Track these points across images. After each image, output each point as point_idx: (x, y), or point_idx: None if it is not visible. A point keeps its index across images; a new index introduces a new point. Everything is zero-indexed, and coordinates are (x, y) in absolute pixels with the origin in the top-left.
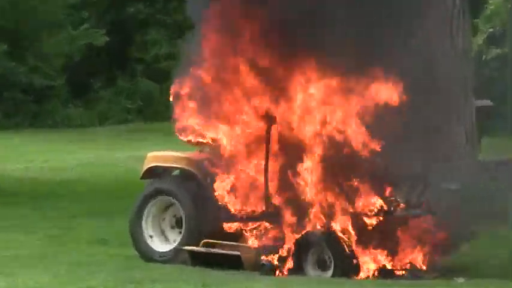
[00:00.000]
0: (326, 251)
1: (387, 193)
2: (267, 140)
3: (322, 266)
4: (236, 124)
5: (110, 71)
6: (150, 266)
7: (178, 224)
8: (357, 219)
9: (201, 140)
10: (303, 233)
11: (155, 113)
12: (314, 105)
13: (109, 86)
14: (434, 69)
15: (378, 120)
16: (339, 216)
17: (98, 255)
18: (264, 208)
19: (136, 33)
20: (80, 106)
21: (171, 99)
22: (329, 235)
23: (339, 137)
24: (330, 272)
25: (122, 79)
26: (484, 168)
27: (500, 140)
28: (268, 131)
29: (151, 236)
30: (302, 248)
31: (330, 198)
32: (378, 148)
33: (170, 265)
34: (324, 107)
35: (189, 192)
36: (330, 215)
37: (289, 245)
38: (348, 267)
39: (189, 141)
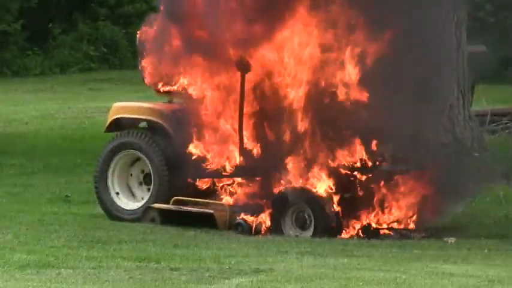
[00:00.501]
0: (305, 209)
1: (372, 147)
2: (241, 90)
3: (301, 224)
4: (208, 72)
5: (70, 15)
6: (116, 225)
7: (146, 180)
8: (338, 174)
9: (170, 89)
10: (281, 189)
11: (121, 61)
12: (294, 52)
13: (70, 31)
14: (424, 15)
15: (365, 71)
16: (319, 171)
17: (61, 214)
18: (238, 163)
19: None
20: (38, 53)
21: (137, 45)
22: (308, 192)
23: (320, 87)
24: (309, 232)
25: (83, 24)
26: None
27: (495, 88)
28: (242, 80)
29: (117, 193)
30: (280, 205)
31: (310, 152)
32: (363, 99)
33: (138, 224)
34: (304, 54)
35: (158, 145)
36: (309, 171)
37: (266, 202)
38: (329, 226)
39: (157, 91)
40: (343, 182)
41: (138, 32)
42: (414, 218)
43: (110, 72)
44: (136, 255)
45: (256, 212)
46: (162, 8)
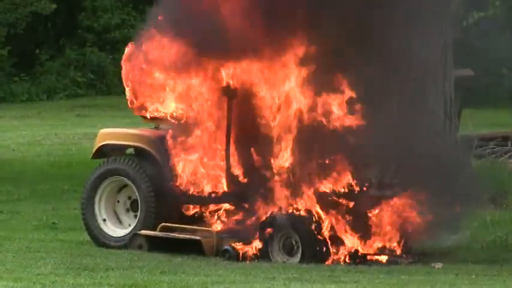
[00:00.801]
0: (293, 235)
1: (359, 172)
2: (228, 116)
3: (288, 251)
4: (195, 99)
5: (57, 41)
6: (103, 252)
7: (133, 206)
8: (326, 200)
9: (157, 115)
10: (268, 216)
11: (108, 87)
12: (280, 78)
13: (57, 57)
14: (410, 39)
15: (352, 95)
16: (306, 197)
17: (48, 241)
18: (225, 189)
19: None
20: (25, 79)
21: (122, 71)
22: (296, 218)
23: (308, 113)
24: (297, 258)
25: (70, 50)
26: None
27: (482, 112)
28: (229, 106)
29: (104, 220)
30: (267, 232)
31: (297, 177)
32: (351, 124)
33: (125, 251)
34: (291, 81)
35: (145, 172)
36: (297, 196)
37: (253, 228)
38: (316, 252)
39: (144, 118)
40: (331, 208)
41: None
42: (401, 243)
43: (97, 98)
44: (123, 282)
45: (243, 238)
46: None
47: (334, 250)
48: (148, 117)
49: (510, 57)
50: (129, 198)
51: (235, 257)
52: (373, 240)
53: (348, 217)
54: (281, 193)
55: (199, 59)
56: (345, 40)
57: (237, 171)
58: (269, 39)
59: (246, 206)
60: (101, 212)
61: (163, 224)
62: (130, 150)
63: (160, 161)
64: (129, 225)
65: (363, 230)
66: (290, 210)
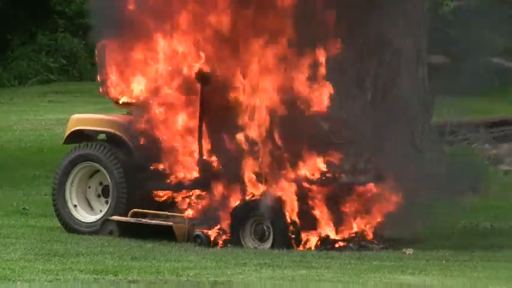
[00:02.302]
0: (264, 221)
1: (332, 158)
2: (201, 102)
3: (260, 236)
4: (168, 84)
5: (29, 27)
6: (74, 238)
7: (104, 192)
8: (298, 186)
9: (129, 101)
10: (240, 201)
11: (80, 72)
12: (253, 64)
13: (28, 43)
14: (383, 26)
15: (325, 81)
16: (278, 183)
17: (18, 227)
18: (198, 175)
19: None
20: None
21: (96, 57)
22: (268, 204)
23: (280, 98)
24: (268, 243)
25: (42, 35)
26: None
27: (456, 100)
28: (202, 92)
29: (75, 206)
30: (239, 217)
31: (270, 163)
32: (323, 110)
33: (96, 237)
34: (264, 66)
35: (116, 158)
36: (269, 182)
37: (225, 214)
38: (288, 238)
39: (116, 103)
40: (303, 194)
41: (97, 43)
42: (373, 229)
43: (69, 84)
44: (93, 268)
45: (215, 224)
46: (121, 20)
47: (306, 236)
48: (120, 103)
49: (486, 46)
50: (101, 184)
51: (206, 242)
52: (345, 226)
53: (320, 203)
54: (253, 179)
55: (170, 45)
56: (318, 27)
57: (210, 157)
58: (238, 25)
59: (218, 192)
60: (72, 197)
61: (135, 209)
62: (102, 136)
63: (132, 147)
64: (100, 211)
65: (335, 216)
66: (261, 197)
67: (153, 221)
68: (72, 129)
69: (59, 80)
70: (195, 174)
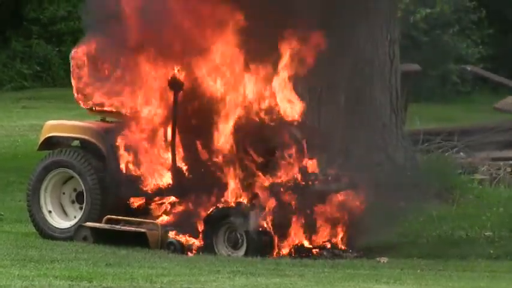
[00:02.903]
0: (238, 229)
1: (305, 166)
2: (174, 109)
3: (233, 244)
4: (141, 91)
5: (2, 33)
6: (49, 243)
7: (78, 198)
8: (272, 193)
9: (103, 108)
10: (213, 209)
11: (53, 79)
12: (226, 70)
13: (2, 49)
14: (355, 33)
15: (296, 88)
16: (252, 190)
17: None
18: (171, 182)
19: None
20: None
21: (71, 64)
22: (241, 211)
23: (253, 105)
24: (242, 251)
25: (16, 42)
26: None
27: (429, 107)
28: (175, 99)
29: (50, 212)
30: (212, 225)
31: (243, 170)
32: (296, 117)
33: (71, 243)
34: (238, 73)
35: (90, 164)
36: (242, 190)
37: (198, 221)
38: (261, 245)
39: (90, 110)
40: (276, 201)
41: (71, 50)
42: (346, 237)
43: (43, 90)
44: (68, 274)
45: (188, 231)
46: (95, 25)
47: (279, 243)
48: (94, 110)
49: (456, 53)
50: (75, 190)
51: (180, 249)
52: (318, 234)
53: (293, 211)
54: (226, 186)
55: (145, 53)
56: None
57: (183, 164)
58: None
59: (191, 199)
60: (47, 203)
61: (108, 216)
62: (76, 143)
63: (105, 153)
64: (75, 217)
65: (309, 223)
66: (234, 204)
67: (127, 228)
68: (46, 136)
69: (33, 86)
70: (169, 181)
